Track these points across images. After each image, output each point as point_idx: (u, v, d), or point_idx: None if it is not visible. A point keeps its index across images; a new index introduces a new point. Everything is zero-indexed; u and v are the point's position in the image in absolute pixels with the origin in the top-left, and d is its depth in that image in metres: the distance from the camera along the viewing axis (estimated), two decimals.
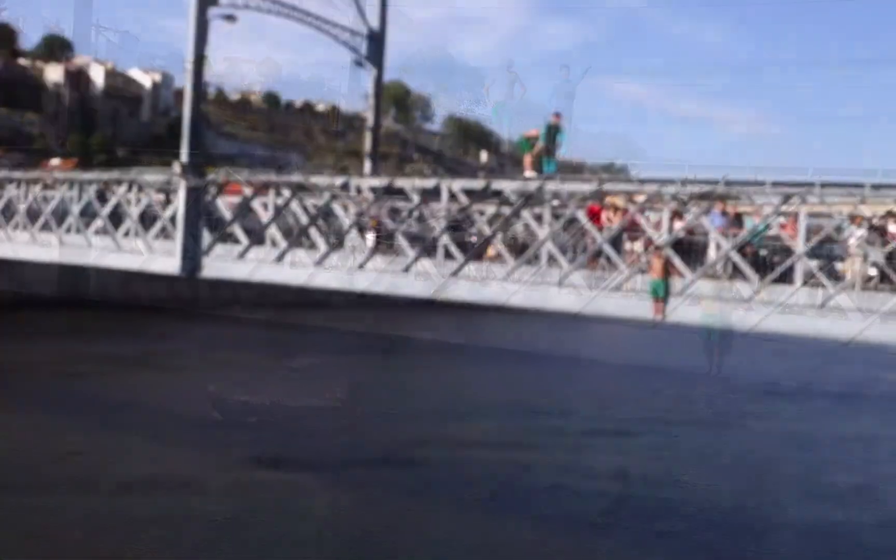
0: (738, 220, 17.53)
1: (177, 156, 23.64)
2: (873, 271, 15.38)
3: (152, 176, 24.74)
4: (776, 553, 23.05)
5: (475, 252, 19.28)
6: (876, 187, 14.94)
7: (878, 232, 15.68)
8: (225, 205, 23.30)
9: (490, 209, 19.31)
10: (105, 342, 49.07)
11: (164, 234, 24.10)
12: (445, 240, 19.49)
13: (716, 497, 27.46)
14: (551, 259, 18.23)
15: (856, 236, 15.66)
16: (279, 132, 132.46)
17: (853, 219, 16.03)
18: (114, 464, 25.82)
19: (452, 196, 19.41)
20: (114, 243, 24.71)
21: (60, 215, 26.34)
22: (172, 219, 23.34)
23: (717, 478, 29.82)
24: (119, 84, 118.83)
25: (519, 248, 19.37)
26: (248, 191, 22.87)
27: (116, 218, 25.48)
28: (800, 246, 15.44)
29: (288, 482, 25.73)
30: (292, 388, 41.16)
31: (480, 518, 23.84)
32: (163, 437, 29.85)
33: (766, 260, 16.78)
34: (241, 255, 22.41)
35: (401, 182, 20.98)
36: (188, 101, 24.03)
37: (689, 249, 16.98)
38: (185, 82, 24.44)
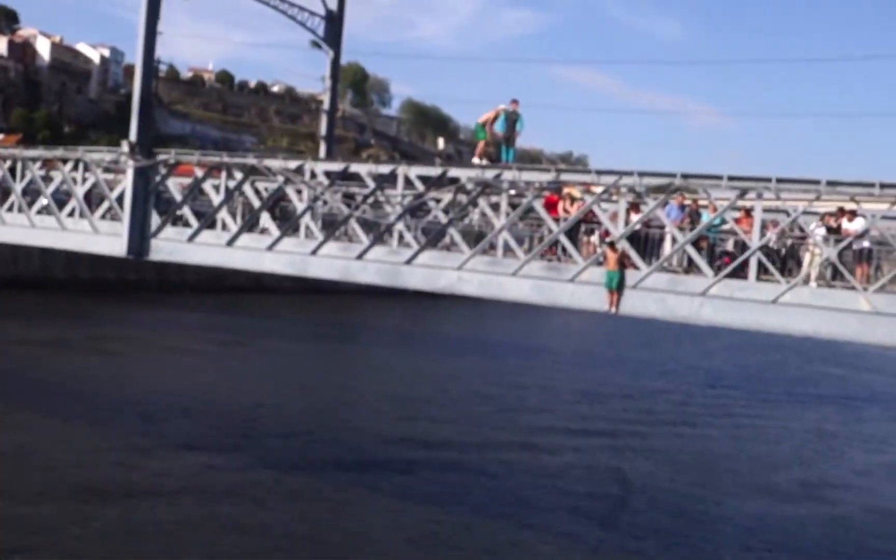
0: (695, 213, 17.71)
1: (125, 134, 23.25)
2: (814, 272, 15.63)
3: (99, 154, 24.27)
4: (723, 546, 23.44)
5: (430, 240, 19.26)
6: (831, 183, 15.17)
7: (834, 229, 15.93)
8: (175, 186, 23.00)
9: (447, 197, 19.29)
10: (44, 326, 48.22)
11: (112, 215, 23.72)
12: (401, 227, 19.44)
13: (666, 491, 27.87)
14: (507, 248, 18.28)
15: (812, 233, 15.90)
16: (233, 113, 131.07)
17: (823, 218, 16.27)
18: (39, 454, 25.55)
19: (409, 183, 19.35)
20: (58, 223, 24.25)
21: (1, 193, 25.79)
22: (120, 199, 22.97)
23: (669, 472, 30.25)
24: (66, 58, 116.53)
25: (475, 237, 19.38)
26: (199, 172, 22.58)
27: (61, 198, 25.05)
28: (755, 241, 15.64)
29: (214, 470, 25.63)
30: (233, 375, 40.90)
31: (409, 506, 23.95)
32: (93, 423, 29.55)
33: (722, 254, 16.98)
34: (191, 239, 22.13)
35: (356, 167, 20.87)
36: (138, 77, 23.61)
37: (646, 242, 17.12)
38: (135, 58, 23.99)
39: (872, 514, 27.46)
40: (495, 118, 21.31)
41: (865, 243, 15.56)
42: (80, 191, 23.95)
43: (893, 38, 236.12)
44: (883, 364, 65.99)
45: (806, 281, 15.63)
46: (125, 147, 22.64)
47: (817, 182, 15.26)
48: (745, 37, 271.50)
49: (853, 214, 15.80)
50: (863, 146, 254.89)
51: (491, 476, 27.28)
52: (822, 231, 15.88)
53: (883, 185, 14.70)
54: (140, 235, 22.70)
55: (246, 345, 51.12)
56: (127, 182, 22.69)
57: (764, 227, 15.96)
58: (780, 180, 15.53)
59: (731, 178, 15.94)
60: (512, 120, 21.40)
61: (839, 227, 15.93)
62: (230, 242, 21.56)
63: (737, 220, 16.55)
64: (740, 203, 16.47)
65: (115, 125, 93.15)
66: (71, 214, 24.26)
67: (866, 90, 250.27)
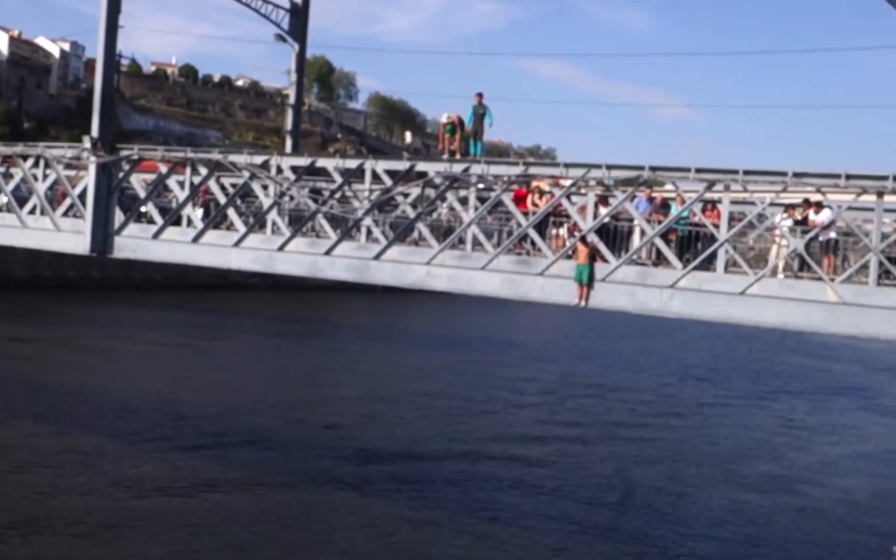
0: (663, 206, 17.84)
1: (87, 130, 22.99)
2: (781, 263, 15.82)
3: (61, 151, 23.97)
4: (692, 539, 23.66)
5: (399, 235, 19.25)
6: (798, 175, 15.35)
7: (801, 221, 16.12)
8: (139, 182, 22.80)
9: (415, 191, 19.27)
10: (2, 325, 47.57)
11: (74, 212, 23.46)
12: (369, 222, 19.41)
13: (636, 486, 28.06)
14: (476, 243, 18.31)
15: (779, 224, 16.09)
16: (197, 108, 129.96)
17: (787, 209, 16.46)
18: None
19: (376, 177, 19.33)
20: (19, 221, 23.94)
21: None
22: (82, 196, 22.72)
23: (639, 466, 30.47)
24: (25, 53, 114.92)
25: (444, 232, 19.39)
26: (163, 168, 22.39)
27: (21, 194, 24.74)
28: (723, 233, 15.79)
29: (172, 471, 25.44)
30: (196, 374, 40.60)
31: (374, 506, 23.93)
32: (48, 424, 29.22)
33: (691, 246, 17.12)
34: (156, 235, 21.95)
35: (323, 162, 20.80)
36: (100, 72, 23.33)
37: (615, 235, 17.22)
38: (96, 52, 23.72)
39: (841, 505, 27.87)
40: (460, 121, 21.45)
41: (832, 234, 15.78)
42: (41, 188, 23.67)
43: (861, 30, 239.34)
44: (850, 354, 66.91)
45: (774, 272, 15.82)
46: (87, 143, 22.39)
47: (784, 174, 15.44)
48: (712, 29, 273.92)
49: (819, 206, 16.00)
50: (829, 138, 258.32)
51: (458, 474, 27.32)
52: (788, 222, 16.08)
53: (849, 176, 14.90)
54: (103, 233, 22.47)
55: (211, 343, 50.80)
56: (89, 178, 22.44)
57: (732, 218, 16.11)
58: (747, 172, 15.70)
59: (698, 171, 16.08)
60: (479, 113, 21.50)
61: (806, 218, 16.13)
62: (195, 239, 21.41)
63: (705, 212, 16.71)
64: (708, 195, 16.62)
65: (77, 121, 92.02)
66: (32, 212, 23.96)
67: (832, 83, 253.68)
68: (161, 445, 27.81)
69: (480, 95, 21.70)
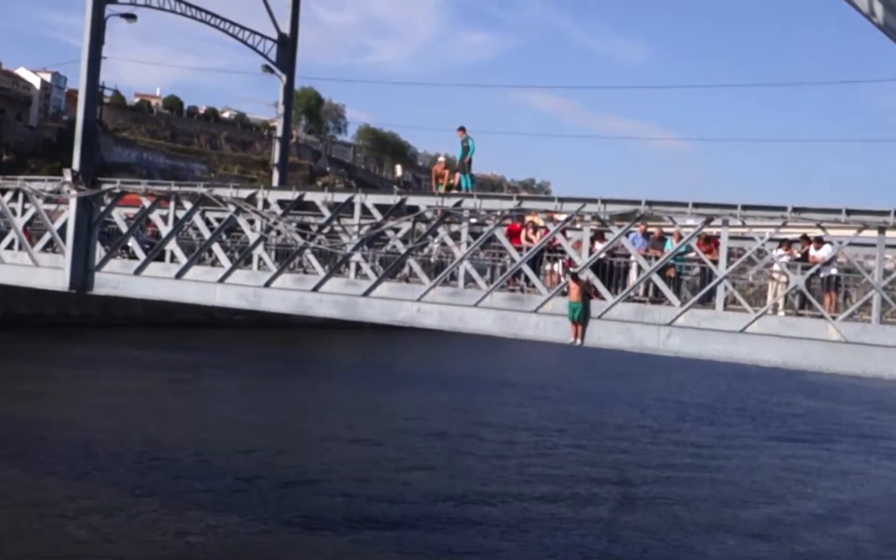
0: (660, 241, 17.92)
1: (68, 163, 23.03)
2: (781, 300, 15.86)
3: (40, 184, 23.99)
4: None
5: (389, 271, 19.26)
6: (798, 210, 15.44)
7: (801, 257, 16.19)
8: (120, 217, 22.81)
9: (405, 226, 19.32)
10: None
11: (53, 247, 23.44)
12: (358, 257, 19.43)
13: (632, 532, 27.87)
14: (469, 279, 18.33)
15: (778, 260, 16.14)
16: (181, 140, 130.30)
17: (782, 244, 16.55)
18: None
19: (365, 211, 19.37)
20: None
21: None
22: (62, 231, 22.70)
23: (635, 512, 30.29)
24: (5, 83, 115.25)
25: (435, 268, 19.42)
26: (146, 202, 22.41)
27: None
28: (722, 269, 15.85)
29: (145, 517, 25.15)
30: (176, 416, 40.26)
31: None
32: (19, 468, 28.90)
33: (688, 283, 17.18)
34: (138, 271, 21.93)
35: (311, 195, 20.86)
36: (82, 103, 23.43)
37: (611, 271, 17.27)
38: (79, 83, 23.82)
39: (845, 553, 27.70)
40: (446, 166, 22.07)
41: (833, 270, 15.85)
42: (19, 222, 23.65)
43: (862, 62, 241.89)
44: (854, 394, 66.89)
45: (774, 310, 15.86)
46: (68, 176, 22.43)
47: (784, 209, 15.54)
48: (707, 61, 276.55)
49: (820, 241, 16.08)
50: (829, 172, 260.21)
51: (445, 520, 27.07)
52: (784, 258, 16.14)
53: (849, 211, 15.00)
54: (83, 268, 22.45)
55: (192, 382, 50.49)
56: (69, 213, 22.45)
57: (730, 254, 16.18)
58: (745, 207, 15.80)
59: (696, 205, 16.18)
60: (465, 147, 21.83)
61: (806, 254, 16.20)
62: (179, 275, 21.39)
63: (702, 247, 16.78)
64: (706, 230, 16.70)
65: (57, 153, 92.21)
66: (10, 247, 23.92)
67: (832, 116, 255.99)
68: (133, 489, 27.52)
69: (463, 129, 22.07)
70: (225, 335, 69.99)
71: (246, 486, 29.16)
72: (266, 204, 20.61)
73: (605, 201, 16.92)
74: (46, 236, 23.57)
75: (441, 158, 25.02)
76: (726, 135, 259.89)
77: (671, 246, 17.33)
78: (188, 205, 21.48)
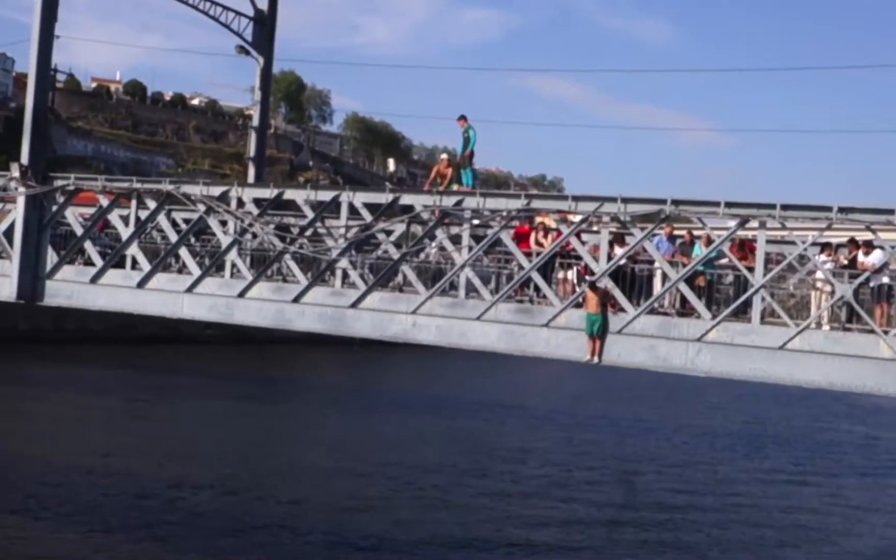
0: (688, 246, 17.93)
1: (16, 156, 23.05)
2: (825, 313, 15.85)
3: None
4: None
5: (380, 279, 19.27)
6: (844, 210, 15.43)
7: (848, 264, 16.17)
8: (75, 217, 22.81)
9: (399, 228, 19.34)
10: None
11: None
12: (345, 264, 19.44)
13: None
14: (471, 288, 18.34)
15: (822, 266, 16.14)
16: (144, 131, 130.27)
17: (826, 249, 16.53)
18: None
19: (354, 211, 19.39)
20: None
21: None
22: (9, 234, 22.71)
23: (669, 550, 30.20)
24: None
25: (433, 275, 19.43)
26: (104, 200, 22.42)
27: None
28: (758, 277, 15.85)
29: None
30: (133, 445, 40.09)
31: None
32: None
33: (721, 292, 17.18)
34: (94, 279, 21.93)
35: (292, 193, 20.88)
36: (31, 88, 23.47)
37: (632, 280, 17.28)
38: (28, 66, 23.85)
39: None
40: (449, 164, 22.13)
41: (885, 279, 15.81)
42: None
43: None
44: None
45: (818, 324, 15.85)
46: (15, 171, 22.44)
47: (829, 209, 15.53)
48: (742, 42, 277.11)
49: (870, 246, 16.07)
50: (881, 168, 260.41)
51: None
52: (829, 265, 16.12)
53: None
54: (32, 276, 22.45)
55: (155, 406, 50.38)
56: (17, 212, 22.45)
57: (768, 261, 16.19)
58: (785, 207, 15.80)
59: (729, 205, 16.19)
60: (466, 138, 21.86)
61: (854, 260, 16.18)
62: (141, 283, 21.39)
63: (732, 248, 16.77)
64: (741, 233, 16.71)
65: (3, 145, 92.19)
66: None
67: (887, 104, 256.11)
68: (83, 527, 27.44)
69: (464, 118, 22.10)
70: (193, 352, 69.90)
71: (206, 527, 29.04)
72: (241, 203, 20.63)
73: (625, 200, 16.93)
74: None
75: (444, 155, 25.13)
76: (764, 125, 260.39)
77: (701, 251, 17.34)
78: (152, 204, 21.49)
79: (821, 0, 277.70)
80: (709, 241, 17.31)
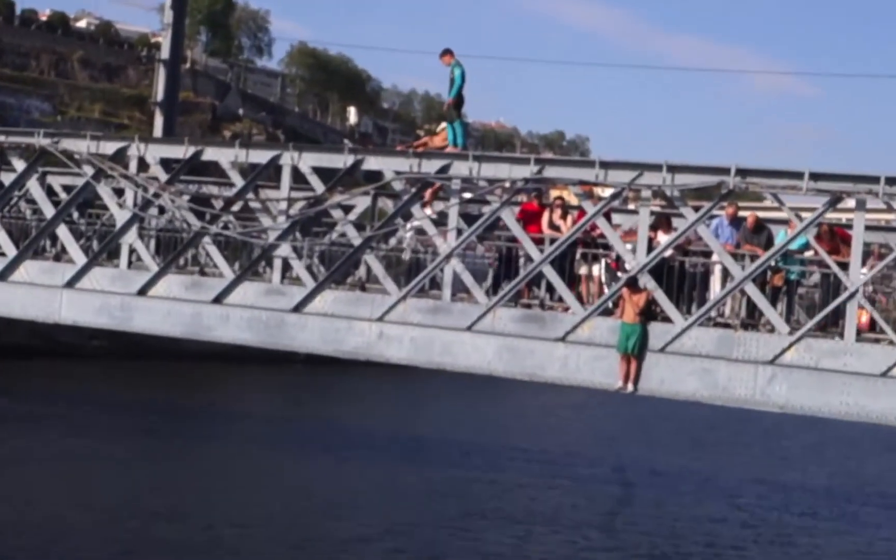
0: (758, 232, 18.00)
1: None
2: None
3: None
4: None
5: (334, 272, 19.29)
6: None
7: None
8: None
9: (362, 203, 19.37)
10: None
11: None
12: (287, 251, 19.44)
13: None
14: (460, 287, 18.37)
15: None
16: (11, 64, 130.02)
17: None
18: None
19: (300, 178, 19.39)
20: None
21: None
22: None
23: None
24: None
25: (407, 269, 19.47)
26: None
27: None
28: (854, 276, 15.91)
29: None
30: None
31: None
32: None
33: (803, 298, 17.26)
34: None
35: (214, 152, 20.87)
36: None
37: (680, 278, 17.33)
38: None
39: None
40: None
41: None
42: None
43: None
44: None
45: None
46: None
47: None
48: None
49: None
50: None
51: None
52: None
53: None
54: None
55: (9, 443, 50.16)
56: None
57: (868, 254, 16.26)
58: (891, 181, 15.84)
59: (815, 176, 16.23)
60: (451, 80, 21.84)
61: None
62: (3, 275, 21.36)
63: (817, 238, 16.83)
64: (831, 216, 16.77)
65: None
66: None
67: None
68: None
69: (450, 53, 22.02)
70: (74, 370, 69.75)
71: None
72: (143, 165, 20.61)
73: (672, 168, 16.99)
74: None
75: (442, 125, 23.68)
76: (865, 70, 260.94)
77: (782, 237, 17.40)
78: (20, 164, 21.45)
79: None
80: (790, 227, 17.37)
